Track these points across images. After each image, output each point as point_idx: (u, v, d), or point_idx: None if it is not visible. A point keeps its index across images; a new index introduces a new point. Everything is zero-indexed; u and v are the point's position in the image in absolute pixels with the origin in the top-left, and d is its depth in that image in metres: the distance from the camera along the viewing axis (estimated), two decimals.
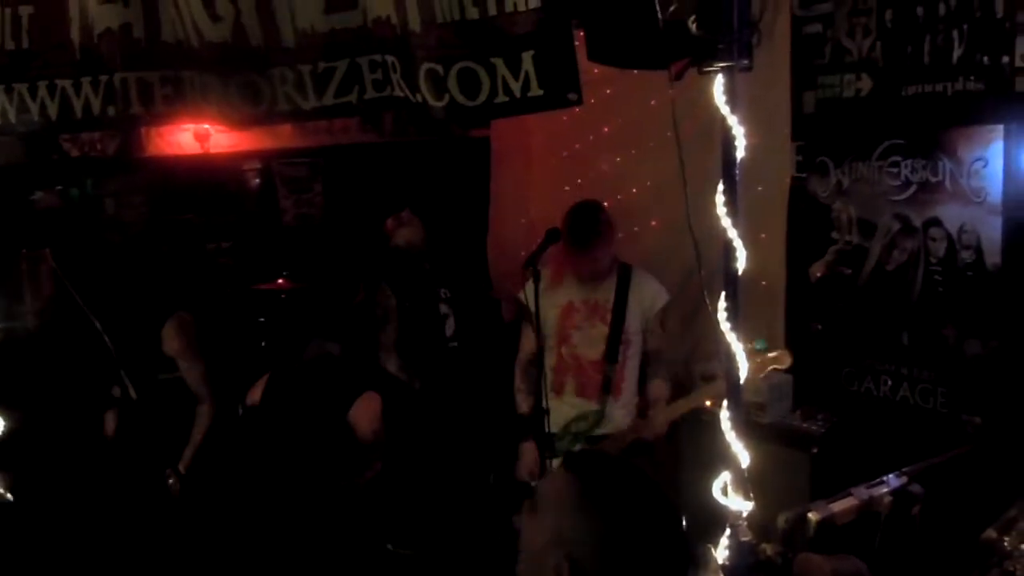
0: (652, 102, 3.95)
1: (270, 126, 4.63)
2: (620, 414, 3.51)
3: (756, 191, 3.77)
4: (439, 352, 3.97)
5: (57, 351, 4.55)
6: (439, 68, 2.48)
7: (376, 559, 3.26)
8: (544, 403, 3.05)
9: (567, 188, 4.75)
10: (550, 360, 3.49)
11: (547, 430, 3.23)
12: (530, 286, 3.03)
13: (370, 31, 2.65)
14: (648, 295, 3.51)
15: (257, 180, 5.70)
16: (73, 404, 4.47)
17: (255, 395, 3.49)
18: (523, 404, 3.54)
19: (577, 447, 3.45)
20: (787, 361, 3.21)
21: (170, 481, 3.61)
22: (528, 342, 3.53)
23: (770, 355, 3.20)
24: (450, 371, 3.95)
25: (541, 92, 2.44)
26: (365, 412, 3.24)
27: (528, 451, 3.42)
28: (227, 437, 3.68)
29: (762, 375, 3.21)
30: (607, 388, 3.47)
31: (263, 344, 3.95)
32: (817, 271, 3.83)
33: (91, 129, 3.92)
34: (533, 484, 3.42)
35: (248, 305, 4.88)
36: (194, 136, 5.44)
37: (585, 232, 3.42)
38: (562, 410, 3.49)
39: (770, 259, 3.92)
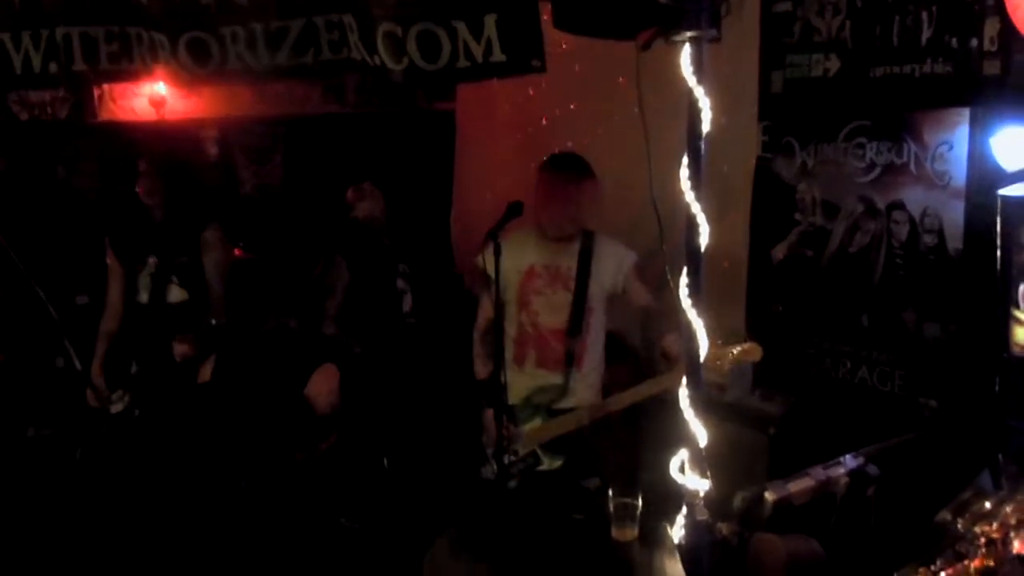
0: (620, 79, 3.89)
1: (221, 85, 4.49)
2: (583, 386, 3.45)
3: (721, 171, 3.74)
4: (394, 328, 3.90)
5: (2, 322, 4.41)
6: (397, 29, 2.40)
7: (328, 533, 3.21)
8: (502, 376, 3.00)
9: (533, 164, 4.68)
10: (511, 330, 3.42)
11: (506, 402, 3.17)
12: (489, 252, 2.97)
13: None
14: (614, 259, 3.44)
15: (215, 149, 5.55)
16: (17, 375, 4.35)
17: (205, 373, 3.40)
18: (482, 370, 3.48)
19: (538, 420, 3.40)
20: (757, 354, 3.18)
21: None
22: (486, 308, 3.46)
23: (740, 348, 3.17)
24: (405, 347, 3.89)
25: (504, 58, 2.38)
26: (322, 385, 3.19)
27: (489, 420, 3.37)
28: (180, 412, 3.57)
29: (730, 367, 3.18)
30: (570, 360, 3.42)
31: (212, 321, 3.86)
32: (780, 252, 3.82)
33: (32, 86, 3.77)
34: (489, 451, 3.37)
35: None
36: (149, 102, 5.28)
37: (572, 162, 3.37)
38: (523, 381, 3.43)
39: (733, 239, 3.89)
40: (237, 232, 5.06)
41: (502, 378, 2.98)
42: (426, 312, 4.03)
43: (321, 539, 3.28)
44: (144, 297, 3.69)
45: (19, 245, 3.81)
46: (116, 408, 3.54)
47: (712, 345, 2.32)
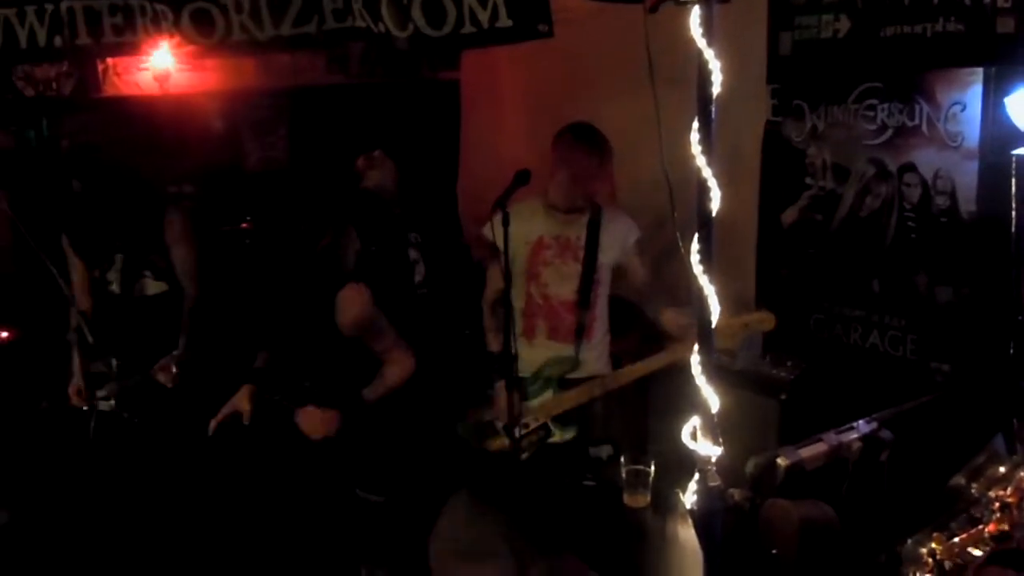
0: (627, 46, 3.85)
1: (224, 59, 4.46)
2: (592, 357, 3.46)
3: (730, 135, 3.71)
4: (407, 298, 3.89)
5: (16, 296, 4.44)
6: None
7: (345, 505, 3.22)
8: (513, 348, 2.99)
9: (538, 132, 4.65)
10: (519, 302, 3.42)
11: (516, 375, 3.18)
12: (497, 223, 2.94)
13: None
14: (621, 231, 3.43)
15: (219, 122, 5.53)
16: (32, 350, 4.38)
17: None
18: (493, 342, 3.48)
19: (549, 392, 3.41)
20: (770, 323, 3.17)
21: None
22: (495, 280, 3.45)
23: (752, 317, 3.16)
24: (419, 317, 3.88)
25: (510, 23, 2.36)
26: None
27: (501, 392, 3.38)
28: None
29: (743, 336, 3.18)
30: (580, 331, 3.42)
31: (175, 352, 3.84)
32: (789, 217, 3.79)
33: (37, 60, 3.75)
34: (499, 427, 3.38)
35: (211, 249, 4.76)
36: (153, 76, 5.26)
37: (593, 134, 3.33)
38: (534, 354, 3.43)
39: (743, 204, 3.87)
40: (243, 205, 5.06)
41: (513, 350, 2.97)
42: (438, 282, 4.02)
43: (337, 511, 3.31)
44: (116, 288, 3.63)
45: (29, 221, 3.83)
46: (101, 407, 3.51)
47: (723, 316, 2.31)
